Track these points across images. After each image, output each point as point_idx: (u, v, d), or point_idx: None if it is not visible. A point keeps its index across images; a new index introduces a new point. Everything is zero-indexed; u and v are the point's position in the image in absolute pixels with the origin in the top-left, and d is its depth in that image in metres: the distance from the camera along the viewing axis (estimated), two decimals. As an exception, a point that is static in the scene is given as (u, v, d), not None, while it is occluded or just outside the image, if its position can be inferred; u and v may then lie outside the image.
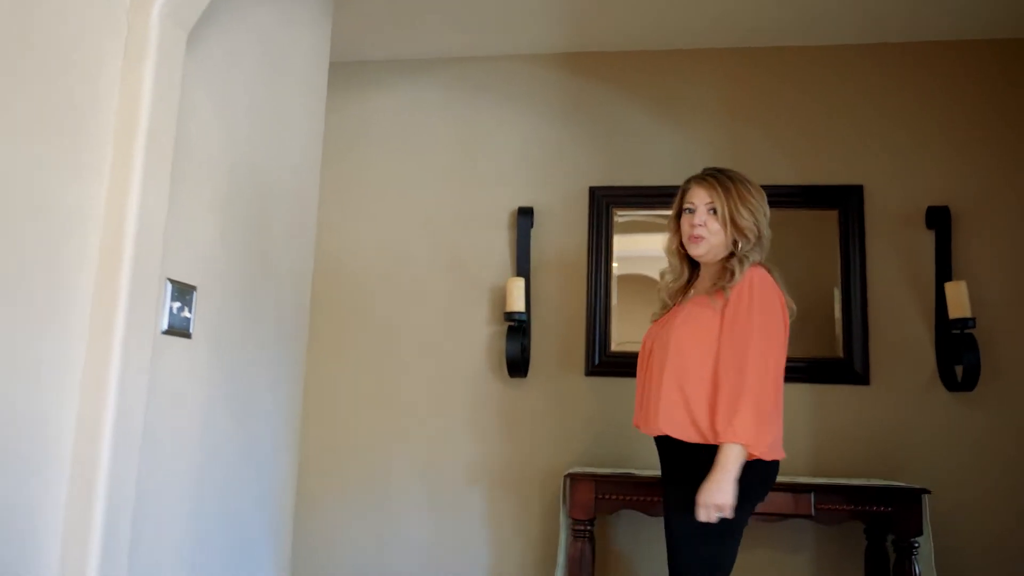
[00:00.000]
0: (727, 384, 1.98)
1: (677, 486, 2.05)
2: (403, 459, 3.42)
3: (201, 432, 1.99)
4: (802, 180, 3.35)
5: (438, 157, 3.64)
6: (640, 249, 3.55)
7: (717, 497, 1.90)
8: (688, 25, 3.37)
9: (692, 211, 2.18)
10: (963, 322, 3.02)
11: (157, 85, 1.65)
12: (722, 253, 2.16)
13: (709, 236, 2.13)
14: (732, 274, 2.07)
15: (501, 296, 3.45)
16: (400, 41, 3.60)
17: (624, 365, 3.32)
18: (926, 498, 2.76)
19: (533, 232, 3.48)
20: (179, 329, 1.85)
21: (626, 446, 3.25)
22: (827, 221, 3.33)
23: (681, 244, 2.24)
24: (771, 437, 1.96)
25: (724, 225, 2.13)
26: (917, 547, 2.72)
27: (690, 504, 1.96)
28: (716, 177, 2.17)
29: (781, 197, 3.12)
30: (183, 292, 1.86)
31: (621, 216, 3.48)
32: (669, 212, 3.22)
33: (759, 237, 2.14)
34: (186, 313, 1.87)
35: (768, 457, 1.98)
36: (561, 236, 3.50)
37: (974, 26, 3.27)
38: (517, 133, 3.60)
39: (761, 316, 2.01)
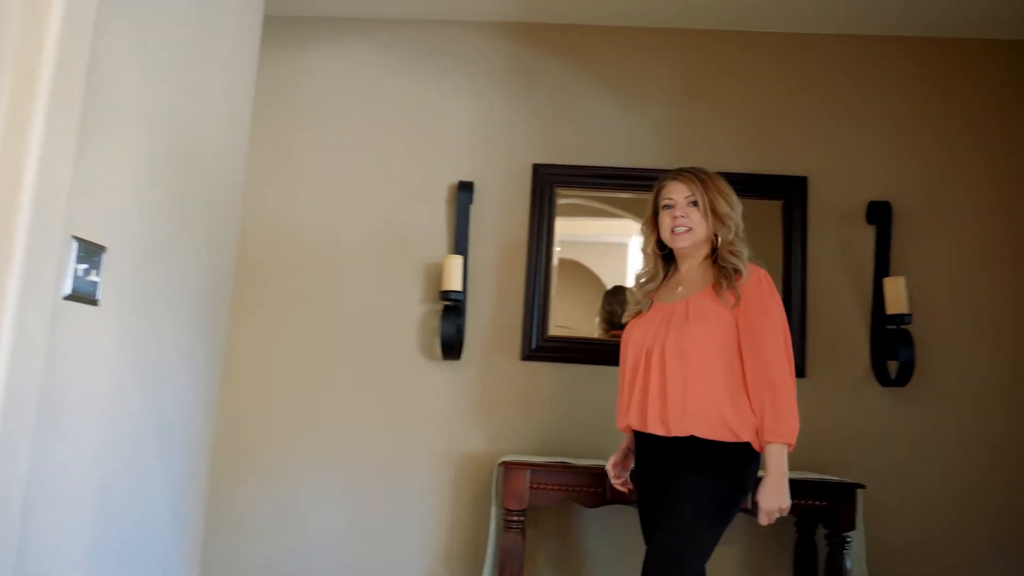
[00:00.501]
0: (760, 385, 2.02)
1: (701, 479, 2.02)
2: (326, 441, 3.23)
3: (107, 411, 1.77)
4: (749, 168, 3.29)
5: (374, 124, 3.44)
6: (581, 234, 3.45)
7: (781, 501, 2.01)
8: (643, 1, 3.26)
9: (671, 206, 2.22)
10: (899, 318, 3.03)
11: (68, 11, 1.42)
12: (704, 247, 2.21)
13: (694, 226, 2.18)
14: (736, 271, 2.10)
15: (436, 274, 3.29)
16: (339, -3, 3.38)
17: (562, 350, 3.23)
18: (859, 493, 2.76)
19: (472, 208, 3.32)
20: (84, 295, 1.63)
21: (561, 434, 3.16)
22: (771, 211, 3.29)
23: (657, 244, 2.29)
24: None
25: (705, 215, 2.18)
26: (849, 542, 2.71)
27: (707, 498, 2.00)
28: (692, 171, 2.23)
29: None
30: (91, 253, 1.63)
31: (564, 199, 3.36)
32: (615, 195, 3.29)
33: (737, 227, 2.19)
34: (93, 277, 1.65)
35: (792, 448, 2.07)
36: (501, 214, 3.35)
37: (922, 23, 3.27)
38: (459, 103, 3.43)
39: (776, 313, 2.08)
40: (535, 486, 2.78)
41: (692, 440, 2.06)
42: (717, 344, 2.07)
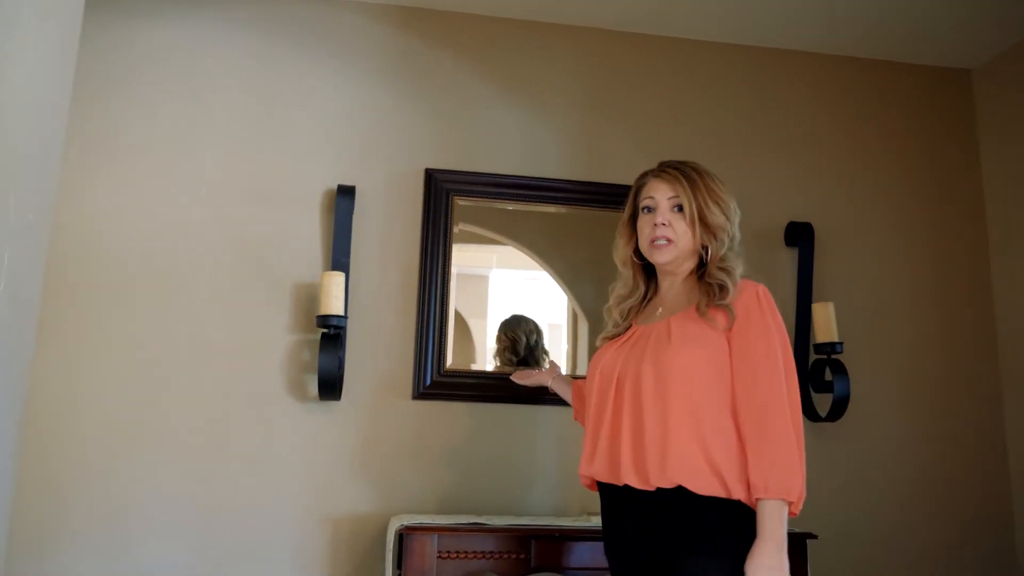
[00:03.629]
0: (754, 426, 1.61)
1: (714, 562, 1.60)
2: (169, 504, 2.51)
3: None
4: (667, 182, 2.97)
5: (228, 114, 2.80)
6: (478, 266, 2.97)
7: (779, 574, 1.57)
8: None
9: (652, 209, 1.81)
10: (830, 347, 2.79)
11: None
12: (690, 260, 1.81)
13: (676, 239, 1.77)
14: (722, 288, 1.71)
15: (308, 296, 2.70)
16: (188, -45, 2.75)
17: (464, 387, 2.72)
18: (808, 543, 2.44)
19: (353, 219, 2.77)
20: None
21: (467, 488, 2.64)
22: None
23: (636, 252, 1.88)
24: (804, 486, 1.62)
25: (692, 224, 1.77)
26: (801, 598, 2.39)
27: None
28: (679, 169, 1.81)
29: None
30: None
31: (459, 227, 2.86)
32: (520, 207, 2.81)
33: (732, 240, 1.79)
34: None
35: (797, 510, 1.63)
36: (388, 226, 2.82)
37: (844, 43, 3.13)
38: (336, 94, 2.88)
39: (777, 338, 1.67)
40: (443, 555, 2.25)
41: (680, 495, 1.61)
42: (704, 372, 1.66)
